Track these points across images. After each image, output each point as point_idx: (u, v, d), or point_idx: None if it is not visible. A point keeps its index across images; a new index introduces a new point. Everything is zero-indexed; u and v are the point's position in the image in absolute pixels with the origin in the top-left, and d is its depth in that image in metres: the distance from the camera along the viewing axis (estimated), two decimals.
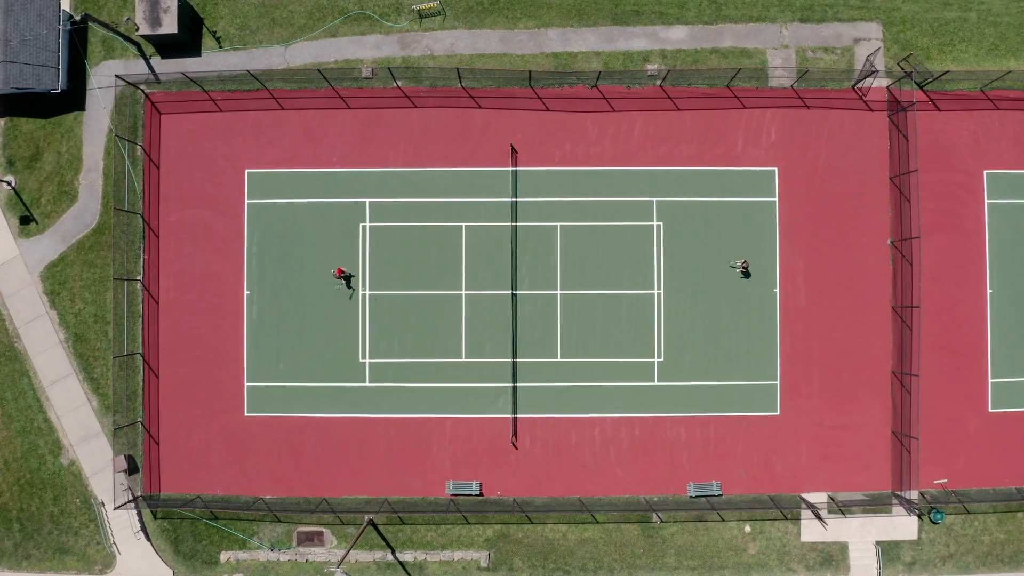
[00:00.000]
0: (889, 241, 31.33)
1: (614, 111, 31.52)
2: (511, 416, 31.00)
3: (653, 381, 31.17)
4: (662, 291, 31.39)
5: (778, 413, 31.07)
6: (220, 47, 31.89)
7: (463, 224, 31.33)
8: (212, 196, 31.59)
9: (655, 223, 31.43)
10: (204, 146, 31.61)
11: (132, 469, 30.95)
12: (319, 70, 31.14)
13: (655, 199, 31.34)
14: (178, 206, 31.57)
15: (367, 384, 31.21)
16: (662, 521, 30.84)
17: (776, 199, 31.41)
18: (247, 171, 31.58)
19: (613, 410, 31.07)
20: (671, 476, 30.91)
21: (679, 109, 31.50)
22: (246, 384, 31.31)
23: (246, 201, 31.57)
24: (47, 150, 31.65)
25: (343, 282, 30.87)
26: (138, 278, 31.36)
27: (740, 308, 31.33)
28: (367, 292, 31.48)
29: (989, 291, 31.34)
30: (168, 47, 31.96)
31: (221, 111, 31.59)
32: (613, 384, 31.14)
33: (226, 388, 31.25)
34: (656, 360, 31.28)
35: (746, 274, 30.61)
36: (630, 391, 31.13)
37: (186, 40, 31.73)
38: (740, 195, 31.45)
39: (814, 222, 31.44)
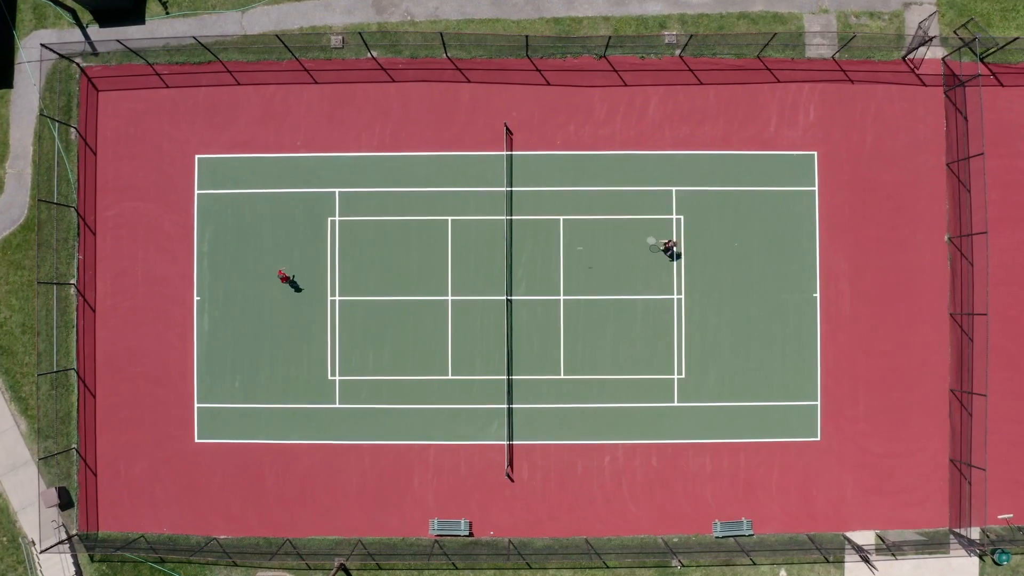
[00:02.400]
0: (946, 238, 29.53)
1: (626, 85, 29.78)
2: (506, 443, 29.44)
3: (673, 402, 29.55)
4: (682, 296, 29.70)
5: (818, 439, 29.44)
6: (167, 13, 30.15)
7: (449, 218, 29.74)
8: (157, 186, 29.93)
9: (674, 216, 29.67)
10: (148, 128, 30.02)
11: (66, 503, 29.41)
12: (281, 39, 29.42)
13: (674, 188, 29.68)
14: (118, 198, 29.91)
15: (337, 406, 29.68)
16: (683, 566, 29.02)
17: (815, 188, 29.73)
18: (197, 157, 29.96)
19: (626, 436, 29.50)
20: (694, 513, 29.33)
21: (702, 83, 29.79)
22: (196, 405, 29.69)
23: (196, 192, 29.95)
24: None
25: (290, 286, 29.81)
26: (72, 282, 29.73)
27: (774, 316, 29.62)
28: (336, 298, 29.87)
29: None
30: (107, 13, 30.12)
31: (167, 87, 30.02)
32: (625, 405, 29.50)
33: (173, 410, 29.65)
34: (676, 377, 29.57)
35: (672, 255, 29.40)
36: (645, 414, 29.47)
37: (127, 5, 30.01)
38: (773, 184, 29.70)
39: (859, 215, 29.64)
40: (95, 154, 29.78)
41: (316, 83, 29.71)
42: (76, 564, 29.12)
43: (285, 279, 29.17)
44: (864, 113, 29.55)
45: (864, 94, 29.59)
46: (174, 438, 29.44)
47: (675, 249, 29.18)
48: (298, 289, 29.45)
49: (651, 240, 29.16)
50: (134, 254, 29.66)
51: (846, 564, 28.78)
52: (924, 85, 29.57)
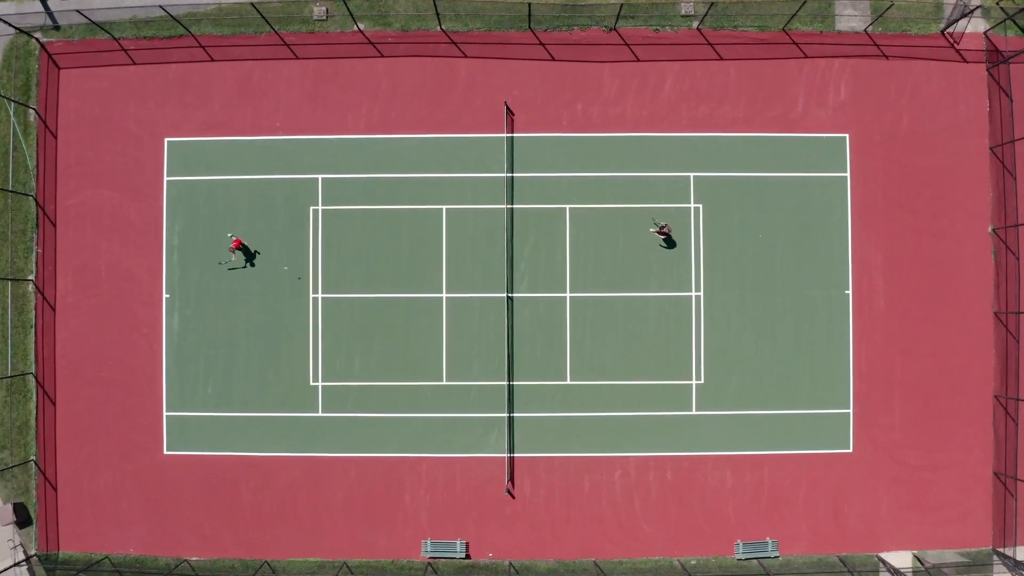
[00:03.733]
0: (990, 229, 28.66)
1: (638, 61, 29.14)
2: (506, 456, 28.78)
3: (690, 410, 28.89)
4: (701, 293, 28.96)
5: (850, 450, 28.72)
6: None
7: (443, 207, 29.12)
8: (123, 172, 29.29)
9: (692, 205, 28.98)
10: (113, 109, 29.37)
11: (23, 520, 28.66)
12: (258, 9, 28.54)
13: (692, 174, 29.01)
14: (80, 186, 29.27)
15: (320, 415, 29.02)
16: None
17: (847, 174, 28.99)
18: (167, 140, 29.38)
19: (638, 448, 28.87)
20: (713, 533, 28.68)
21: (722, 59, 29.13)
22: (165, 414, 29.01)
23: (165, 178, 29.34)
24: None
25: (240, 257, 28.96)
26: (29, 278, 28.89)
27: (801, 315, 28.86)
28: (319, 295, 29.05)
29: None
30: None
31: (135, 64, 29.25)
32: (638, 414, 28.83)
33: (140, 419, 28.98)
34: (694, 383, 28.81)
35: (669, 242, 28.71)
36: (660, 423, 28.85)
37: None
38: (800, 169, 29.03)
39: (895, 204, 28.87)
40: (55, 137, 29.04)
41: (297, 59, 28.99)
42: None
43: (238, 245, 28.34)
44: (900, 92, 28.73)
45: (900, 71, 28.80)
46: (141, 449, 28.75)
47: (670, 234, 28.38)
48: (252, 263, 28.70)
49: (656, 222, 28.48)
50: (98, 247, 28.91)
51: None
52: (965, 61, 28.83)
